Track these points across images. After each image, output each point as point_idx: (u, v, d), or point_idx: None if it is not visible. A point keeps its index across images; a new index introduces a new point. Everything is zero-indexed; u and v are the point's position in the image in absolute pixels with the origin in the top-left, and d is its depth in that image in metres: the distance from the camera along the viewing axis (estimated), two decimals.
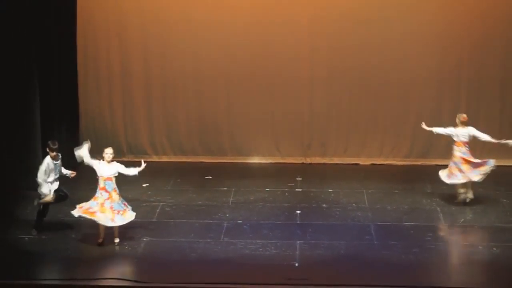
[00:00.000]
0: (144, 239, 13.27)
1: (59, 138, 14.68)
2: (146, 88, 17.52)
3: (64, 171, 13.57)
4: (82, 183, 14.33)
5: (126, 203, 13.25)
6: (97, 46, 17.33)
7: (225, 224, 13.95)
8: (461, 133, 14.65)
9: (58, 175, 13.45)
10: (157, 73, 17.43)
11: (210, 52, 17.23)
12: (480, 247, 13.05)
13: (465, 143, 14.68)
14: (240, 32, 17.13)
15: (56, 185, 13.40)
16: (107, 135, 17.57)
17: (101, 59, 17.39)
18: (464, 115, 14.74)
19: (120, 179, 15.74)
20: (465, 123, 14.67)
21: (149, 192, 15.58)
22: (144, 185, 15.89)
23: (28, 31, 15.13)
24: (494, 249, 12.94)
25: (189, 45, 17.22)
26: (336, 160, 17.52)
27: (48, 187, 13.32)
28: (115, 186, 13.15)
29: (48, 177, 13.30)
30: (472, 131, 14.66)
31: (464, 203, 14.69)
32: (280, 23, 17.04)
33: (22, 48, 15.14)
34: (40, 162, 15.16)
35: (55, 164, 13.36)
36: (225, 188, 15.79)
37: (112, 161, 13.24)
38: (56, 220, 13.76)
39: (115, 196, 13.10)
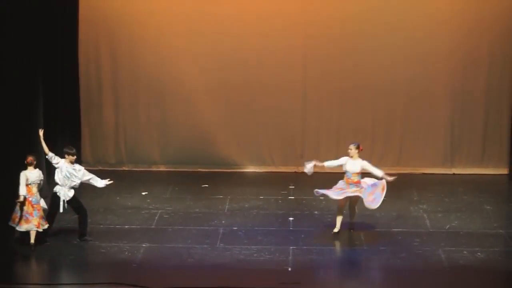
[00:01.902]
0: (144, 245, 13.25)
1: (62, 146, 14.62)
2: (146, 99, 17.53)
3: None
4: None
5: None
6: (99, 58, 17.35)
7: (221, 231, 13.95)
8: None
9: (75, 183, 13.26)
10: (156, 86, 17.44)
11: (208, 66, 17.26)
12: (465, 252, 13.06)
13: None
14: (235, 45, 17.17)
15: (71, 192, 13.27)
16: (107, 145, 17.59)
17: (103, 71, 17.40)
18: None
19: (120, 187, 15.84)
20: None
21: (148, 200, 15.57)
22: (143, 193, 15.90)
23: (33, 45, 15.17)
24: (479, 254, 12.95)
25: (186, 57, 17.25)
26: (327, 169, 17.50)
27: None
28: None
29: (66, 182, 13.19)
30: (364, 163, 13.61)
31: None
32: (273, 36, 17.09)
33: (27, 60, 15.12)
34: (42, 171, 15.18)
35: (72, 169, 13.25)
36: (221, 196, 15.80)
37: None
38: (59, 227, 13.72)
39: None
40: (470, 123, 17.24)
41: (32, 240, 12.87)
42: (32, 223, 12.89)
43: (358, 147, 13.52)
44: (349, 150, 13.53)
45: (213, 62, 17.26)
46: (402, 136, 17.43)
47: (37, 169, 13.27)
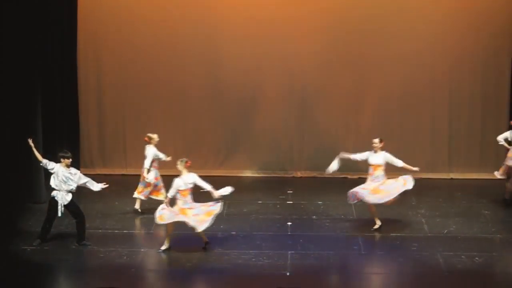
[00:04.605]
0: (142, 249, 13.20)
1: (61, 150, 14.57)
2: (145, 104, 17.51)
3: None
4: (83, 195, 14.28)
5: None
6: (98, 62, 17.32)
7: (219, 235, 13.89)
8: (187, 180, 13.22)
9: (72, 187, 13.24)
10: (155, 91, 17.43)
11: (207, 71, 17.25)
12: (463, 256, 13.02)
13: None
14: (235, 51, 17.15)
15: (69, 196, 13.23)
16: (106, 149, 17.57)
17: (103, 75, 17.38)
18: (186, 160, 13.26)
19: (119, 192, 15.80)
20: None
21: (147, 205, 15.49)
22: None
23: (31, 49, 15.19)
24: (477, 258, 12.93)
25: (185, 62, 17.23)
26: (326, 174, 17.47)
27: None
28: None
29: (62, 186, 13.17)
30: (195, 178, 13.19)
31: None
32: (272, 43, 17.08)
33: (27, 68, 15.16)
34: (41, 176, 15.16)
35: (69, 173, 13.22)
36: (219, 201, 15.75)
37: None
38: (58, 231, 13.68)
39: None
40: (468, 128, 17.21)
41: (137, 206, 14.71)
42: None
43: (186, 162, 13.16)
44: (177, 166, 13.19)
45: (213, 67, 17.26)
46: (400, 141, 17.36)
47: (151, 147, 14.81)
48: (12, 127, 15.10)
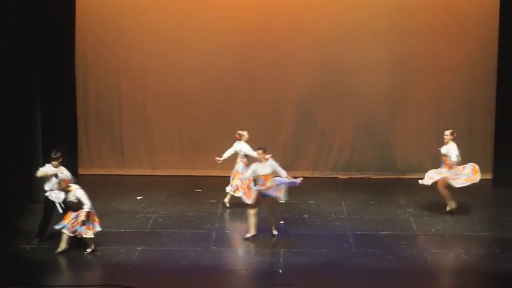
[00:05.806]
0: (138, 248, 13.28)
1: (59, 150, 14.63)
2: (143, 105, 17.56)
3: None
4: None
5: None
6: (95, 64, 17.37)
7: (213, 234, 14.00)
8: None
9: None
10: (153, 94, 17.46)
11: (203, 74, 17.29)
12: (450, 254, 13.16)
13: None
14: (229, 53, 17.23)
15: (63, 195, 13.29)
16: (104, 149, 17.61)
17: (100, 77, 17.42)
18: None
19: (116, 192, 15.86)
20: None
21: (143, 204, 15.60)
22: (138, 198, 15.93)
23: (31, 52, 15.25)
24: (463, 256, 13.06)
25: (182, 64, 17.29)
26: (317, 174, 17.58)
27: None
28: None
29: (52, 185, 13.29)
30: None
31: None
32: (264, 46, 17.17)
33: (26, 68, 15.20)
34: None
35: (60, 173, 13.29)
36: (213, 200, 15.82)
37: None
38: (56, 230, 13.73)
39: None
40: (455, 129, 17.28)
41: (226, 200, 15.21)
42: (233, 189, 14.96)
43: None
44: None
45: (209, 70, 17.26)
46: (390, 142, 17.49)
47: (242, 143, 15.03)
48: (12, 127, 15.16)
